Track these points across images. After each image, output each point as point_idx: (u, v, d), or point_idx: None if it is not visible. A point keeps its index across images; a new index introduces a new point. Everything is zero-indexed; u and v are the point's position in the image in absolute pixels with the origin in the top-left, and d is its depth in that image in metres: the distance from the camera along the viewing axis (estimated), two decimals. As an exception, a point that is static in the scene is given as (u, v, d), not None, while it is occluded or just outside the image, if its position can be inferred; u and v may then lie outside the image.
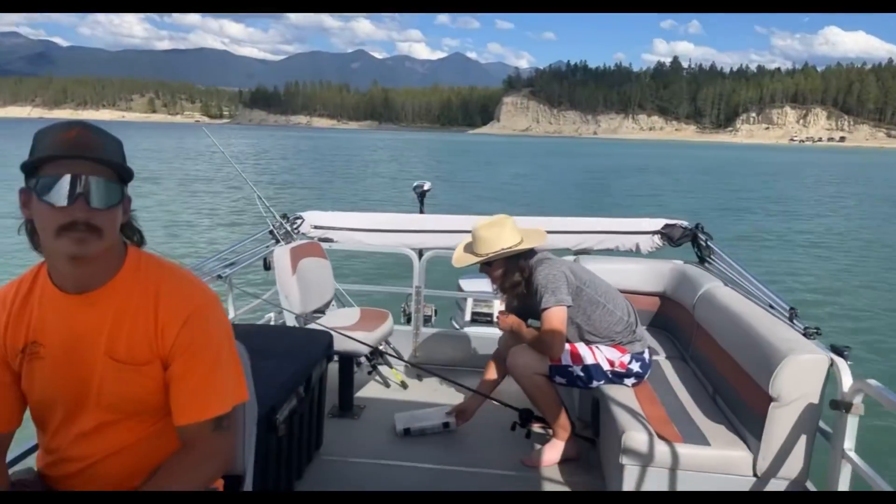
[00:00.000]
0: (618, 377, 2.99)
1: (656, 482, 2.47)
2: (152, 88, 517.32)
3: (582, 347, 3.02)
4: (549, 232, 3.87)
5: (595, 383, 3.00)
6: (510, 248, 2.99)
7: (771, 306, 2.91)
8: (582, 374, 2.98)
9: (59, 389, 1.43)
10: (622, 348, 3.01)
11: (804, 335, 2.50)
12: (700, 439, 2.50)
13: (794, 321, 2.68)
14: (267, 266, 3.71)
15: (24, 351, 1.43)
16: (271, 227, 3.98)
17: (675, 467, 2.44)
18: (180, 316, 1.43)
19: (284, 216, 4.10)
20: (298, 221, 4.22)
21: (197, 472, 1.44)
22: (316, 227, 4.29)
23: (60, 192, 1.28)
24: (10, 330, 1.44)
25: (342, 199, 26.02)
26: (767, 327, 2.55)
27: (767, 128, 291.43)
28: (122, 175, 1.36)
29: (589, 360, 2.97)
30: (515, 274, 3.02)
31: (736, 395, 2.66)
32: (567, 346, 3.00)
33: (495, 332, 4.28)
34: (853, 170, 66.20)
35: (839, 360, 2.30)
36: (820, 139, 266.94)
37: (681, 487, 2.45)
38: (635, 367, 2.99)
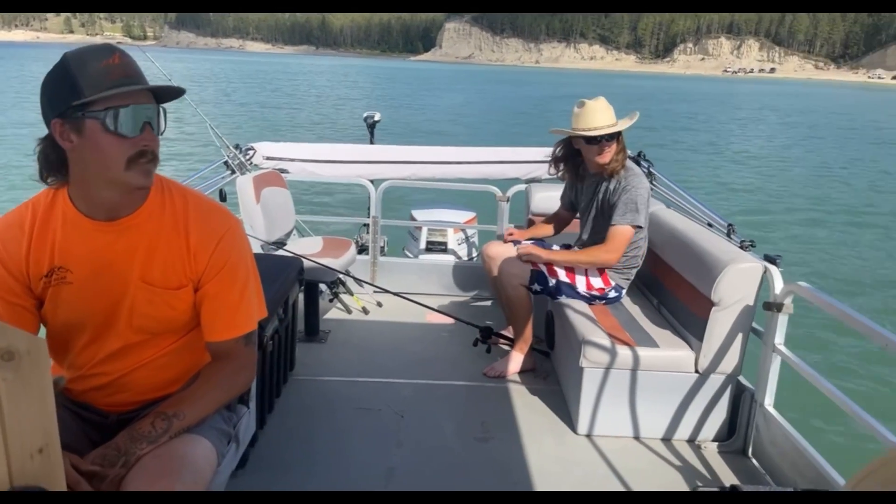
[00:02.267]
0: (589, 298, 3.13)
1: (612, 382, 2.70)
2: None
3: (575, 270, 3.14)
4: (499, 162, 4.39)
5: (565, 298, 3.12)
6: (598, 127, 2.97)
7: (710, 224, 3.15)
8: (557, 286, 3.10)
9: (87, 312, 1.47)
10: (608, 280, 3.13)
11: (741, 247, 2.73)
12: (650, 343, 2.75)
13: (732, 236, 2.92)
14: (223, 197, 3.69)
15: (48, 276, 1.44)
16: (226, 159, 3.95)
17: (629, 367, 2.68)
18: (212, 240, 1.49)
19: (237, 146, 4.06)
20: (251, 152, 4.18)
21: (234, 379, 1.55)
22: (268, 158, 4.28)
23: (133, 123, 1.30)
24: (33, 255, 1.44)
25: (288, 128, 25.08)
26: (708, 242, 2.76)
27: (703, 59, 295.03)
28: (162, 99, 1.41)
29: (571, 280, 3.12)
30: (602, 157, 3.01)
31: (679, 304, 2.91)
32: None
33: (450, 259, 4.93)
34: (780, 99, 69.16)
35: (772, 267, 2.53)
36: (752, 70, 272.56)
37: (633, 386, 2.71)
38: (612, 294, 3.16)
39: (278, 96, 42.41)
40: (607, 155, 3.00)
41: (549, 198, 3.77)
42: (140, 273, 1.46)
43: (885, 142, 30.49)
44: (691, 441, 2.75)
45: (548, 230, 3.46)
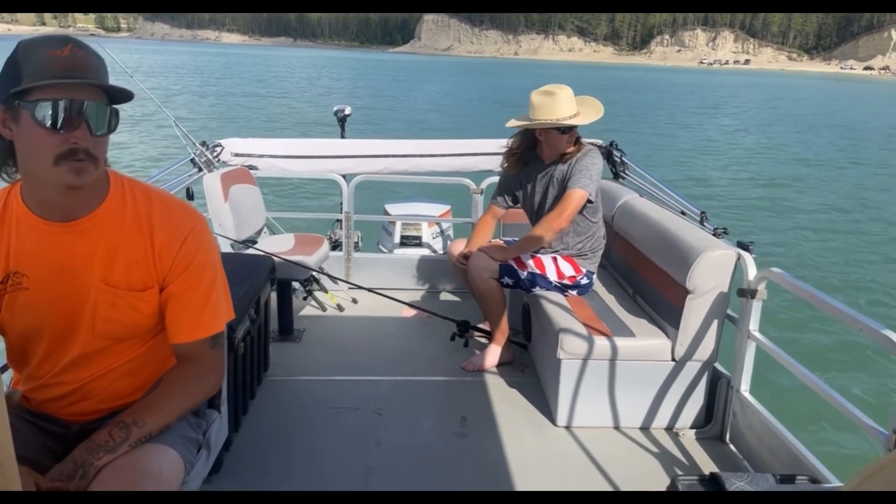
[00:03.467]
0: (562, 288, 3.12)
1: (590, 373, 2.69)
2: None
3: (543, 258, 3.13)
4: (472, 154, 4.30)
5: (537, 289, 3.11)
6: (568, 117, 2.97)
7: (683, 213, 3.13)
8: (529, 278, 3.10)
9: (45, 319, 1.40)
10: (578, 267, 3.12)
11: (714, 235, 2.74)
12: (626, 332, 2.75)
13: (705, 223, 2.93)
14: (190, 195, 3.58)
15: (4, 282, 1.39)
16: (192, 156, 3.82)
17: (606, 357, 2.68)
18: (177, 239, 1.44)
19: (204, 143, 3.96)
20: (218, 149, 4.06)
21: (200, 384, 1.49)
22: (237, 155, 4.16)
23: (61, 117, 1.22)
24: None
25: (260, 124, 24.65)
26: (681, 230, 2.75)
27: (679, 50, 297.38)
28: (115, 99, 1.32)
29: (541, 270, 3.10)
30: (564, 146, 3.02)
31: (654, 293, 2.90)
32: (529, 256, 3.11)
33: (425, 253, 4.85)
34: (753, 90, 70.04)
35: (745, 254, 2.54)
36: (727, 62, 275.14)
37: (611, 376, 2.71)
38: (584, 281, 3.15)
39: (251, 90, 41.95)
40: (572, 142, 3.04)
41: None
42: (101, 275, 1.41)
43: (856, 129, 31.06)
44: (669, 429, 2.76)
45: (488, 235, 3.38)
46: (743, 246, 2.59)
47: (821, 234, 11.69)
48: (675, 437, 2.72)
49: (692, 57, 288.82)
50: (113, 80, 1.35)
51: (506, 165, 3.29)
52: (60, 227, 1.38)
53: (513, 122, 3.15)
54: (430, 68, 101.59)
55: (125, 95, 1.33)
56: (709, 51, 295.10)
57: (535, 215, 3.26)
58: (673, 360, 2.68)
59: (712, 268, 2.50)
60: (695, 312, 2.57)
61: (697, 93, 61.48)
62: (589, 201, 2.99)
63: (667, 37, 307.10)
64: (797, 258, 10.10)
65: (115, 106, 1.34)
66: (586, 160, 3.00)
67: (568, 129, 2.99)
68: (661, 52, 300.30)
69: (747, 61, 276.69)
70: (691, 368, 2.68)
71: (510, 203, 3.38)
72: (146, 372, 1.53)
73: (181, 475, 1.42)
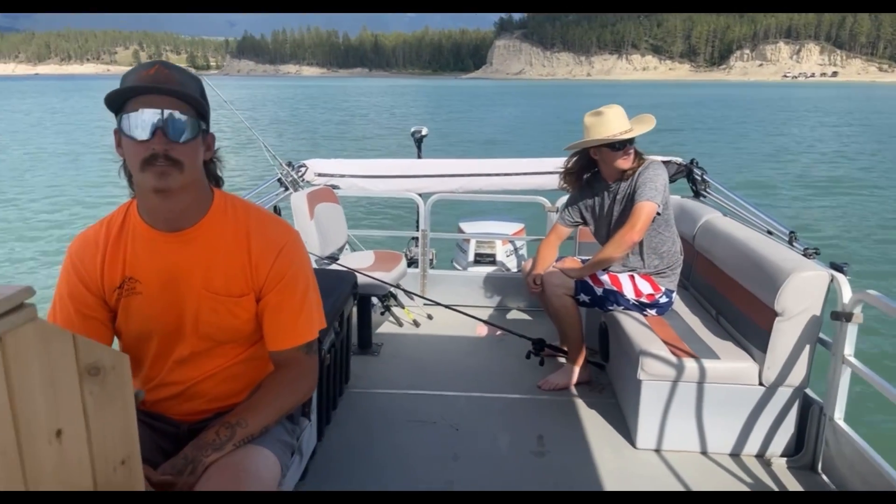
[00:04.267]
0: (640, 307, 3.05)
1: (672, 395, 2.62)
2: (136, 40, 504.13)
3: (620, 275, 3.09)
4: (547, 172, 4.24)
5: (614, 308, 3.06)
6: (618, 134, 2.97)
7: (769, 232, 3.03)
8: (605, 296, 3.06)
9: (155, 322, 1.51)
10: (657, 285, 3.06)
11: (804, 255, 2.63)
12: (710, 354, 2.64)
13: (794, 243, 2.82)
14: (277, 213, 3.66)
15: (120, 287, 1.50)
16: (279, 176, 3.98)
17: (689, 380, 2.59)
18: (272, 252, 1.52)
19: (290, 164, 4.11)
20: (302, 170, 4.20)
21: (296, 387, 1.57)
22: (320, 175, 4.29)
23: (141, 127, 1.32)
24: (107, 268, 1.50)
25: (340, 147, 25.62)
26: (769, 250, 2.65)
27: (761, 64, 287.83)
28: (200, 111, 1.41)
29: (617, 287, 3.05)
30: (620, 163, 3.01)
31: (740, 314, 2.79)
32: (605, 272, 3.08)
33: (499, 271, 4.79)
34: (843, 103, 66.72)
35: (839, 275, 2.42)
36: (812, 74, 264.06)
37: (694, 399, 2.62)
38: (662, 300, 3.07)
39: (330, 117, 43.41)
40: (630, 159, 3.01)
41: None
42: (203, 282, 1.50)
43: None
44: (759, 456, 2.63)
45: (553, 255, 3.36)
46: (836, 267, 2.47)
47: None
48: (764, 464, 2.60)
49: (775, 71, 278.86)
50: (217, 113, 1.49)
51: (563, 185, 3.30)
52: (168, 237, 1.48)
53: (569, 146, 3.18)
54: (502, 92, 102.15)
55: (203, 106, 1.43)
56: (793, 64, 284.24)
57: (605, 235, 3.23)
58: (761, 384, 2.57)
59: (803, 289, 2.39)
60: (784, 335, 2.46)
61: (781, 107, 59.18)
62: (658, 213, 2.94)
63: (747, 51, 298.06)
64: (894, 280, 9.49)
65: (203, 121, 1.44)
66: (648, 172, 2.97)
67: (620, 146, 2.97)
68: (742, 67, 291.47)
69: (835, 73, 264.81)
70: (781, 394, 2.56)
71: (575, 222, 3.36)
72: (247, 376, 1.61)
73: (278, 476, 1.50)
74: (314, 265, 3.58)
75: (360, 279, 3.20)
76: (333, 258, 3.76)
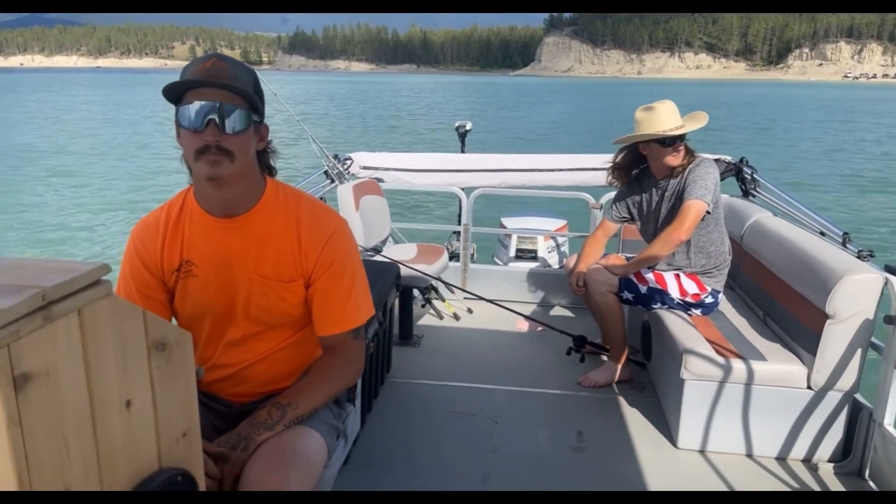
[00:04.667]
0: (685, 306, 3.03)
1: (716, 395, 2.59)
2: (192, 35, 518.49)
3: (665, 273, 3.08)
4: (591, 169, 4.18)
5: (658, 306, 3.05)
6: (669, 130, 2.95)
7: (822, 233, 2.97)
8: (649, 294, 3.04)
9: (209, 304, 1.57)
10: (703, 285, 3.04)
11: (858, 257, 2.59)
12: (756, 355, 2.61)
13: (848, 245, 2.77)
14: None
15: (178, 269, 1.57)
16: (326, 168, 4.04)
17: (734, 381, 2.55)
18: (321, 239, 1.57)
19: (336, 157, 4.15)
20: (348, 162, 4.25)
21: (344, 371, 1.62)
22: (365, 168, 4.34)
23: (195, 118, 1.39)
24: (167, 251, 1.57)
25: (386, 141, 25.56)
26: (821, 251, 2.61)
27: (821, 64, 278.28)
28: (252, 103, 1.45)
29: (662, 286, 3.04)
30: (670, 159, 2.98)
31: (788, 316, 2.75)
32: (650, 270, 3.07)
33: (540, 267, 4.72)
34: (906, 105, 63.97)
35: (893, 279, 2.38)
36: (875, 75, 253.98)
37: (739, 400, 2.58)
38: (708, 300, 3.04)
39: (379, 112, 43.70)
40: (680, 155, 2.98)
41: None
42: (255, 267, 1.55)
43: None
44: (806, 461, 2.59)
45: (599, 252, 3.34)
46: (891, 270, 2.42)
47: None
48: (810, 469, 2.55)
49: (835, 71, 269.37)
50: (267, 106, 1.55)
51: (611, 180, 3.28)
52: (222, 223, 1.54)
53: (618, 140, 3.16)
54: (550, 89, 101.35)
55: (255, 99, 1.47)
56: (854, 64, 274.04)
57: (652, 232, 3.19)
58: (809, 387, 2.51)
59: (856, 292, 2.33)
60: (835, 339, 2.40)
61: (839, 107, 57.10)
62: (707, 212, 2.91)
63: (806, 50, 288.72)
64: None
65: (256, 113, 1.49)
66: (699, 170, 2.94)
67: (671, 142, 2.94)
68: (800, 66, 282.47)
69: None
70: (830, 398, 2.51)
71: (623, 218, 3.33)
72: (297, 360, 1.66)
73: (325, 457, 1.56)
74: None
75: (403, 271, 3.24)
76: (377, 250, 3.81)
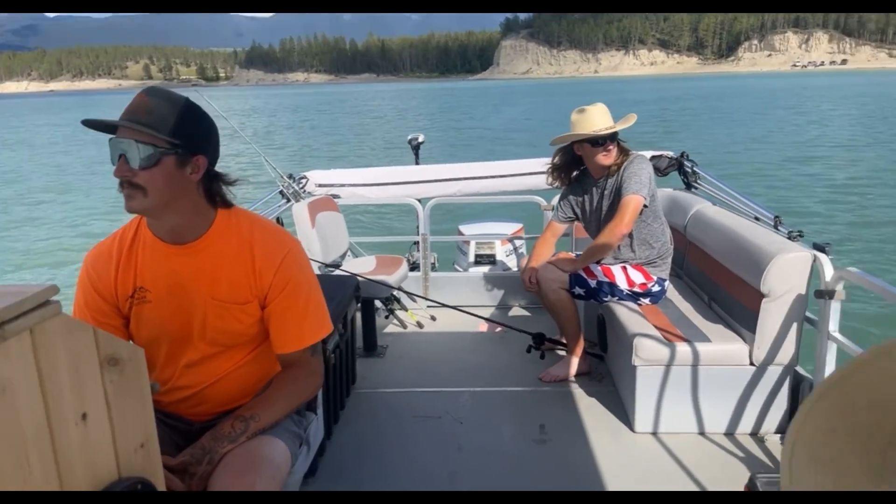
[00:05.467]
0: (634, 296, 3.15)
1: (666, 378, 2.71)
2: (146, 54, 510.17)
3: (613, 266, 3.19)
4: (539, 173, 4.13)
5: (609, 298, 3.16)
6: (601, 130, 3.06)
7: (757, 218, 3.16)
8: (599, 287, 3.15)
9: (164, 328, 1.60)
10: (649, 275, 3.16)
11: (789, 238, 2.77)
12: (702, 338, 2.73)
13: (779, 227, 2.96)
14: (280, 224, 3.68)
15: (133, 296, 1.60)
16: (281, 188, 4.08)
17: (682, 363, 2.67)
18: (274, 262, 1.60)
19: (290, 176, 4.20)
20: (304, 181, 4.30)
21: (303, 384, 1.67)
22: (320, 185, 4.38)
23: (111, 154, 1.46)
24: (120, 278, 1.60)
25: (342, 155, 25.28)
26: (755, 235, 2.77)
27: (770, 55, 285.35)
28: (169, 136, 1.44)
29: (610, 278, 3.15)
30: (602, 158, 3.11)
31: (730, 298, 2.89)
32: (598, 265, 3.18)
33: (499, 271, 4.84)
34: (849, 90, 65.97)
35: (821, 256, 2.52)
36: (822, 63, 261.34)
37: (688, 381, 2.69)
38: (655, 288, 3.17)
39: (336, 125, 43.17)
40: (611, 155, 3.11)
41: None
42: (209, 291, 1.58)
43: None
44: (753, 434, 2.71)
45: (548, 252, 3.46)
46: (819, 247, 2.57)
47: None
48: (758, 441, 2.67)
49: (784, 60, 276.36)
50: (219, 127, 1.60)
51: (551, 181, 3.41)
52: (174, 249, 1.58)
53: (553, 140, 3.29)
54: (509, 92, 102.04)
55: (174, 130, 1.46)
56: (802, 53, 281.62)
57: (596, 229, 3.33)
58: (752, 364, 2.64)
59: (787, 270, 2.47)
60: (771, 316, 2.54)
61: (786, 95, 58.52)
62: (645, 206, 3.04)
63: (755, 42, 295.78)
64: (878, 260, 9.52)
65: (175, 146, 1.46)
66: (633, 167, 3.07)
67: (602, 142, 3.08)
68: (750, 57, 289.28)
69: (844, 61, 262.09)
70: (772, 372, 2.64)
71: (568, 218, 3.47)
72: (256, 376, 1.70)
73: (289, 463, 1.61)
74: (317, 271, 3.65)
75: (363, 283, 3.29)
76: (336, 265, 3.87)
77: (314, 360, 1.70)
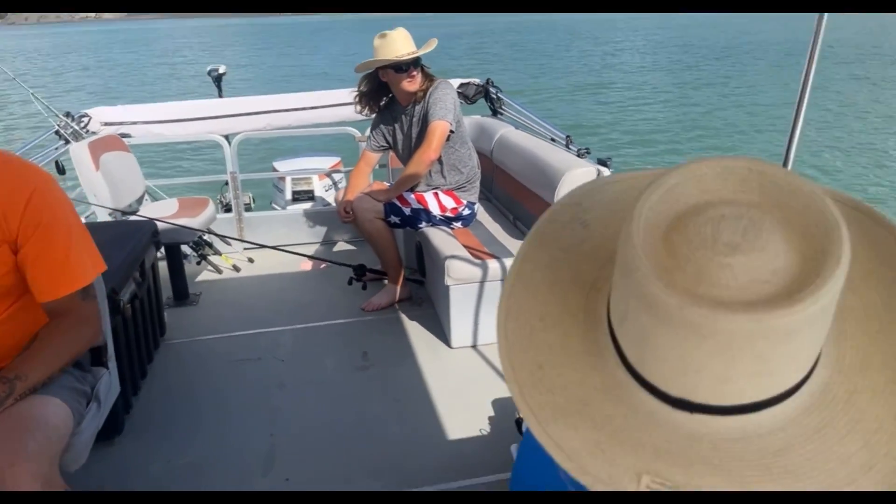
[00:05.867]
0: (447, 221, 3.27)
1: (477, 295, 2.85)
2: None
3: (425, 193, 3.25)
4: (352, 103, 4.02)
5: (424, 224, 3.24)
6: (404, 55, 3.04)
7: (553, 139, 3.37)
8: (413, 215, 3.21)
9: None
10: (459, 199, 3.26)
11: (578, 155, 3.02)
12: (508, 254, 2.95)
13: (570, 146, 3.19)
14: (61, 169, 3.49)
15: None
16: (57, 128, 3.71)
17: (491, 279, 2.83)
18: (21, 199, 1.45)
19: (68, 114, 3.84)
20: (85, 119, 3.93)
21: (75, 335, 1.53)
22: (107, 124, 4.03)
23: None
24: None
25: (141, 95, 24.09)
26: (549, 154, 3.01)
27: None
28: None
29: (423, 205, 3.22)
30: (407, 84, 3.12)
31: (531, 216, 3.09)
32: (411, 192, 3.23)
33: (318, 207, 4.75)
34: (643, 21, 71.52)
35: (604, 170, 2.80)
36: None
37: (496, 296, 3.24)
38: (465, 212, 3.29)
39: (125, 62, 39.17)
40: (416, 81, 3.12)
41: None
42: None
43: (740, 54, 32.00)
44: None
45: (364, 182, 3.48)
46: (602, 162, 2.82)
47: (678, 147, 12.55)
48: None
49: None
50: None
51: (359, 109, 3.38)
52: None
53: (358, 66, 3.23)
54: (329, 27, 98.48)
55: None
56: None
57: (407, 157, 3.37)
58: None
59: (575, 184, 2.70)
60: None
61: (584, 26, 62.36)
62: (451, 131, 3.09)
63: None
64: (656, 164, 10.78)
65: None
66: (438, 93, 3.09)
67: (405, 67, 3.07)
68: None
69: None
70: None
71: (381, 147, 3.47)
72: (20, 331, 1.55)
73: (70, 424, 1.49)
74: (107, 218, 3.44)
75: (162, 227, 3.11)
76: (132, 211, 3.61)
77: (86, 306, 1.55)
